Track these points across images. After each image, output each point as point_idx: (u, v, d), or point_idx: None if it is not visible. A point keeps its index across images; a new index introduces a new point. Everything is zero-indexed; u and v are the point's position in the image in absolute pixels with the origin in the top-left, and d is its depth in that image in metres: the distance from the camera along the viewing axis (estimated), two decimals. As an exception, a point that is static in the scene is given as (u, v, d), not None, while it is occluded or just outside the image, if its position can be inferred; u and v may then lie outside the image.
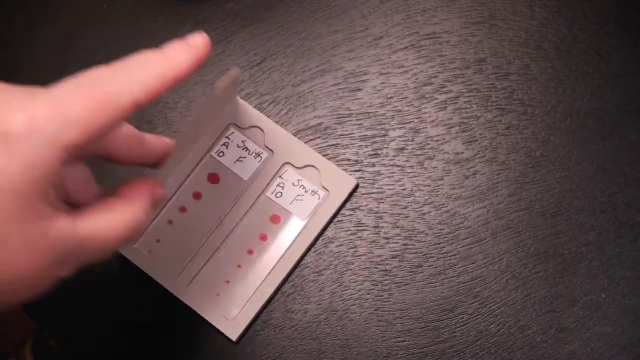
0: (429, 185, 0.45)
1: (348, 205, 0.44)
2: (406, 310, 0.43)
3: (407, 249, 0.44)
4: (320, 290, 0.44)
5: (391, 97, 0.46)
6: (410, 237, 0.44)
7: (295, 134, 0.46)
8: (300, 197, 0.44)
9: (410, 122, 0.46)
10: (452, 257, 0.43)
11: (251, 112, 0.46)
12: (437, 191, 0.44)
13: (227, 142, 0.45)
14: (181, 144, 0.41)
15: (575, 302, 0.42)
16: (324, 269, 0.44)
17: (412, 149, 0.45)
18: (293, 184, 0.44)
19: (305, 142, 0.45)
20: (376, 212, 0.44)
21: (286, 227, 0.44)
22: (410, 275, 0.43)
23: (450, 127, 0.45)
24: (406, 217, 0.44)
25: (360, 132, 0.46)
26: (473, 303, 0.43)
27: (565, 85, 0.46)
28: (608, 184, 0.44)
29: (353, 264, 0.44)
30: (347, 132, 0.46)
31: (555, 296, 0.42)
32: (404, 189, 0.45)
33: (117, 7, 0.49)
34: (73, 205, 0.32)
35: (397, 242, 0.44)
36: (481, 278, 0.43)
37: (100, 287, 0.44)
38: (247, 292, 0.43)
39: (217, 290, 0.43)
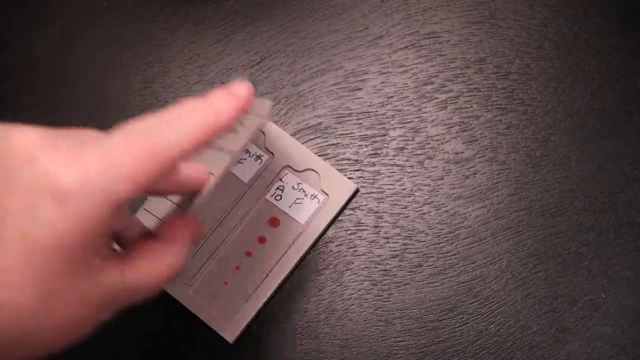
0: (429, 185, 0.45)
1: (348, 204, 0.44)
2: (406, 310, 0.43)
3: (406, 248, 0.44)
4: (320, 290, 0.43)
5: (391, 97, 0.46)
6: (410, 236, 0.44)
7: (295, 134, 0.46)
8: (299, 200, 0.44)
9: (410, 122, 0.46)
10: (452, 256, 0.43)
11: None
12: (437, 191, 0.44)
13: None
14: (218, 175, 0.41)
15: (575, 302, 0.42)
16: (324, 268, 0.44)
17: (412, 148, 0.45)
18: (293, 187, 0.44)
19: (305, 142, 0.45)
20: (376, 212, 0.44)
21: (285, 230, 0.44)
22: (410, 275, 0.43)
23: (450, 127, 0.45)
24: (406, 216, 0.44)
25: (361, 131, 0.46)
26: (473, 303, 0.43)
27: (565, 85, 0.45)
28: (608, 184, 0.44)
29: (353, 263, 0.44)
30: (347, 132, 0.46)
31: (555, 296, 0.42)
32: (404, 189, 0.45)
33: (117, 6, 0.49)
34: (118, 242, 0.33)
35: (397, 242, 0.44)
36: (481, 278, 0.43)
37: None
38: (244, 294, 0.43)
39: (215, 292, 0.43)
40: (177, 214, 0.35)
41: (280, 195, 0.44)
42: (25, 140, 0.27)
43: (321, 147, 0.45)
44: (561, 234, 0.43)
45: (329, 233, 0.44)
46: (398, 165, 0.45)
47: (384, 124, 0.46)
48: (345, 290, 0.43)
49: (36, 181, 0.26)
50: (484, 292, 0.43)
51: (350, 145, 0.45)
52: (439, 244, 0.44)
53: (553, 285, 0.43)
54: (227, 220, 0.44)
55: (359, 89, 0.46)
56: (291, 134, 0.46)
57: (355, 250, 0.44)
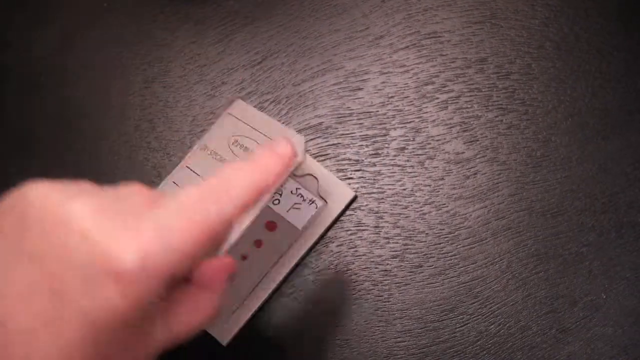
0: (430, 185, 0.44)
1: (346, 211, 0.44)
2: (406, 311, 0.43)
3: (407, 249, 0.44)
4: (320, 290, 0.43)
5: (392, 97, 0.46)
6: (410, 237, 0.44)
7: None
8: (297, 205, 0.44)
9: (411, 122, 0.45)
10: (453, 257, 0.43)
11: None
12: (438, 191, 0.44)
13: None
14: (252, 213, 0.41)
15: (575, 303, 0.42)
16: (324, 268, 0.44)
17: (413, 148, 0.45)
18: (291, 192, 0.44)
19: (305, 142, 0.45)
20: (376, 212, 0.44)
21: (282, 235, 0.44)
22: (410, 275, 0.43)
23: (451, 127, 0.45)
24: (406, 217, 0.44)
25: (361, 131, 0.46)
26: (473, 303, 0.43)
27: (566, 85, 0.45)
28: (609, 185, 0.44)
29: (353, 263, 0.44)
30: (347, 132, 0.46)
31: (556, 297, 0.42)
32: (404, 189, 0.45)
33: (117, 6, 0.49)
34: None
35: (397, 242, 0.44)
36: (481, 278, 0.43)
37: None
38: (239, 297, 0.43)
39: None
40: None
41: (278, 200, 0.44)
42: (78, 211, 0.26)
43: (322, 147, 0.45)
44: (562, 234, 0.43)
45: (329, 233, 0.44)
46: (399, 166, 0.45)
47: (384, 124, 0.46)
48: (346, 290, 0.43)
49: (94, 261, 0.25)
50: (484, 293, 0.43)
51: (351, 145, 0.45)
52: (440, 244, 0.44)
53: (553, 285, 0.42)
54: None
55: (360, 89, 0.46)
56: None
57: (356, 251, 0.44)
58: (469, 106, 0.45)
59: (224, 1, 0.48)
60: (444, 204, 0.44)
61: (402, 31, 0.47)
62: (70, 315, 0.25)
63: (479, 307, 0.42)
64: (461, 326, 0.42)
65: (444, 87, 0.46)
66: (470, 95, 0.46)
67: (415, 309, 0.43)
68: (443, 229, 0.44)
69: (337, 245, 0.44)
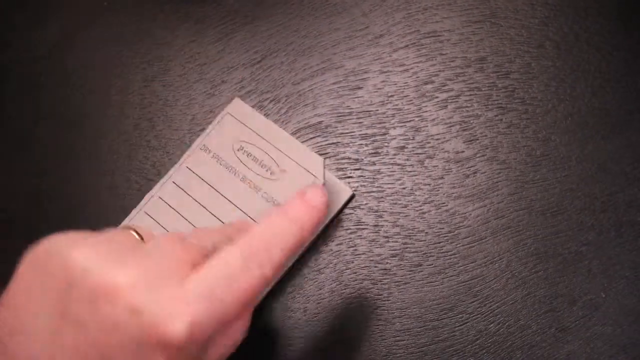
0: (429, 184, 0.44)
1: (344, 209, 0.44)
2: (405, 309, 0.43)
3: (406, 247, 0.44)
4: (320, 289, 0.43)
5: (392, 96, 0.46)
6: (410, 236, 0.44)
7: (295, 133, 0.46)
8: None
9: (410, 121, 0.45)
10: (452, 256, 0.43)
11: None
12: (437, 190, 0.44)
13: None
14: None
15: (575, 302, 0.42)
16: (324, 267, 0.44)
17: (413, 147, 0.45)
18: None
19: (305, 141, 0.45)
20: (376, 211, 0.44)
21: None
22: (409, 274, 0.43)
23: (450, 126, 0.45)
24: (406, 216, 0.44)
25: (361, 130, 0.46)
26: (473, 302, 0.42)
27: (566, 84, 0.45)
28: (609, 184, 0.44)
29: (352, 262, 0.44)
30: (347, 131, 0.46)
31: (555, 296, 0.42)
32: (404, 188, 0.44)
33: (117, 5, 0.49)
34: None
35: (396, 241, 0.44)
36: (481, 277, 0.43)
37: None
38: None
39: None
40: None
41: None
42: (124, 282, 0.27)
43: (321, 146, 0.45)
44: (561, 233, 0.43)
45: (329, 232, 0.44)
46: (398, 165, 0.45)
47: (384, 123, 0.46)
48: (345, 289, 0.43)
49: (143, 333, 0.26)
50: (483, 292, 0.43)
51: (351, 144, 0.45)
52: (439, 243, 0.44)
53: (553, 284, 0.42)
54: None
55: (360, 88, 0.46)
56: (291, 133, 0.46)
57: (355, 250, 0.44)
58: (468, 105, 0.45)
59: (224, 0, 0.49)
60: (444, 203, 0.44)
61: (402, 30, 0.47)
62: None
63: (479, 306, 0.42)
64: (460, 325, 0.42)
65: (444, 86, 0.46)
66: (470, 94, 0.46)
67: (414, 308, 0.43)
68: (442, 228, 0.44)
69: (337, 244, 0.44)
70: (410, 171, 0.45)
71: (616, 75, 0.45)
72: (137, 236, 0.31)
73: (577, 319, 0.42)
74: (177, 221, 0.44)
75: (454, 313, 0.42)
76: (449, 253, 0.43)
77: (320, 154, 0.45)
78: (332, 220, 0.44)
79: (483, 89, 0.46)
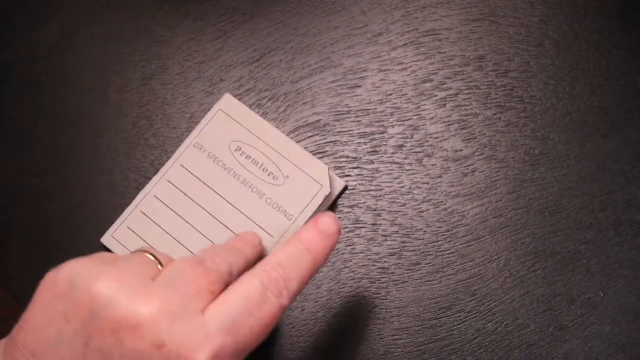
0: (428, 183, 0.44)
1: (346, 202, 0.44)
2: (403, 308, 0.43)
3: (404, 246, 0.44)
4: (318, 288, 0.43)
5: (390, 94, 0.46)
6: (408, 234, 0.44)
7: (293, 131, 0.46)
8: None
9: (409, 119, 0.45)
10: (450, 254, 0.43)
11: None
12: (436, 189, 0.44)
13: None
14: (276, 237, 0.43)
15: (573, 301, 0.42)
16: (322, 266, 0.44)
17: (411, 146, 0.45)
18: None
19: (303, 139, 0.45)
20: (374, 210, 0.44)
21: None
22: (407, 272, 0.43)
23: (449, 125, 0.45)
24: (404, 214, 0.44)
25: (359, 129, 0.46)
26: (471, 301, 0.42)
27: (565, 83, 0.45)
28: (607, 182, 0.44)
29: (351, 261, 0.44)
30: (345, 129, 0.46)
31: (553, 294, 0.42)
32: (402, 187, 0.44)
33: (116, 3, 0.49)
34: None
35: (395, 240, 0.44)
36: (479, 276, 0.43)
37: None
38: None
39: None
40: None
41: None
42: (147, 315, 0.28)
43: (319, 144, 0.45)
44: (560, 232, 0.43)
45: (327, 230, 0.44)
46: (396, 163, 0.45)
47: (382, 121, 0.45)
48: (343, 287, 0.43)
49: None
50: (481, 290, 0.43)
51: (349, 142, 0.45)
52: (437, 241, 0.44)
53: (551, 283, 0.42)
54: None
55: (358, 87, 0.46)
56: (290, 131, 0.46)
57: (353, 248, 0.44)
58: (467, 104, 0.45)
59: (223, -2, 0.49)
60: (442, 202, 0.44)
61: (401, 28, 0.47)
62: None
63: (477, 305, 0.42)
64: (458, 324, 0.42)
65: (442, 84, 0.46)
66: (469, 93, 0.46)
67: (412, 307, 0.43)
68: (441, 227, 0.44)
69: (341, 226, 0.44)
70: (408, 170, 0.45)
71: (615, 74, 0.45)
72: (154, 260, 0.32)
73: (575, 318, 0.42)
74: (173, 220, 0.44)
75: (452, 312, 0.42)
76: (447, 252, 0.43)
77: (319, 152, 0.45)
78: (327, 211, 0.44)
79: (482, 88, 0.46)
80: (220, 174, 0.44)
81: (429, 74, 0.46)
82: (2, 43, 0.49)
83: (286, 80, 0.47)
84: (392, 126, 0.45)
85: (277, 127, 0.46)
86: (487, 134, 0.45)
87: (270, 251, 0.43)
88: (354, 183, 0.45)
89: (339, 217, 0.44)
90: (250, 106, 0.46)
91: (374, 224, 0.44)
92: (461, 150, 0.45)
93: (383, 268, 0.43)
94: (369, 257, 0.44)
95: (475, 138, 0.45)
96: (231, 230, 0.43)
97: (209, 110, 0.46)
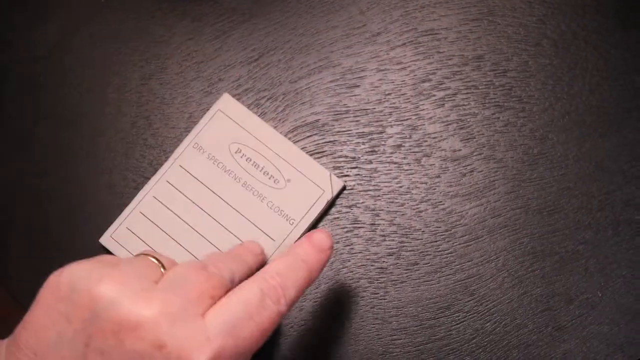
0: (426, 183, 0.44)
1: (344, 202, 0.44)
2: (402, 308, 0.43)
3: (403, 246, 0.44)
4: (317, 288, 0.43)
5: (389, 94, 0.46)
6: (406, 234, 0.44)
7: (292, 131, 0.46)
8: None
9: (407, 119, 0.45)
10: (449, 255, 0.43)
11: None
12: (434, 189, 0.44)
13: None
14: (279, 242, 0.44)
15: (571, 301, 0.42)
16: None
17: (410, 146, 0.45)
18: None
19: (302, 139, 0.45)
20: (373, 210, 0.44)
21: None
22: (406, 273, 0.43)
23: (447, 124, 0.45)
24: (403, 214, 0.44)
25: (358, 128, 0.46)
26: (469, 301, 0.43)
27: (563, 83, 0.45)
28: (606, 182, 0.44)
29: (349, 261, 0.44)
30: (344, 129, 0.46)
31: (552, 294, 0.42)
32: (400, 187, 0.44)
33: (115, 3, 0.49)
34: None
35: (393, 240, 0.44)
36: (477, 276, 0.43)
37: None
38: None
39: None
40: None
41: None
42: (149, 317, 0.28)
43: (318, 144, 0.45)
44: (558, 232, 0.43)
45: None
46: (395, 163, 0.45)
47: (381, 121, 0.45)
48: (342, 288, 0.43)
49: None
50: (480, 291, 0.43)
51: (347, 142, 0.45)
52: (436, 242, 0.44)
53: (549, 283, 0.42)
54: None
55: (357, 86, 0.46)
56: (288, 131, 0.46)
57: (352, 248, 0.44)
58: (465, 103, 0.45)
59: (221, -2, 0.49)
60: (440, 202, 0.44)
61: (399, 28, 0.47)
62: None
63: (475, 305, 0.42)
64: (457, 324, 0.42)
65: (441, 84, 0.46)
66: (467, 93, 0.46)
67: (411, 307, 0.43)
68: (439, 227, 0.44)
69: (334, 243, 0.44)
70: (407, 170, 0.45)
71: (614, 74, 0.45)
72: (157, 263, 0.32)
73: (573, 318, 0.42)
74: (172, 221, 0.44)
75: (450, 312, 0.42)
76: (446, 252, 0.43)
77: (317, 152, 0.45)
78: (325, 210, 0.44)
79: (480, 87, 0.46)
80: (221, 176, 0.44)
81: (427, 73, 0.46)
82: (2, 43, 0.49)
83: (285, 80, 0.47)
84: (391, 126, 0.45)
85: (275, 127, 0.46)
86: (486, 134, 0.45)
87: (273, 255, 0.43)
88: (353, 183, 0.45)
89: (337, 217, 0.44)
90: (248, 106, 0.46)
91: (372, 224, 0.44)
92: (460, 150, 0.45)
93: (381, 268, 0.43)
94: (368, 257, 0.44)
95: (474, 138, 0.45)
96: (232, 234, 0.43)
97: (207, 110, 0.46)
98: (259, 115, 0.46)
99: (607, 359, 0.41)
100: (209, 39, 0.48)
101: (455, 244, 0.43)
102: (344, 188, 0.44)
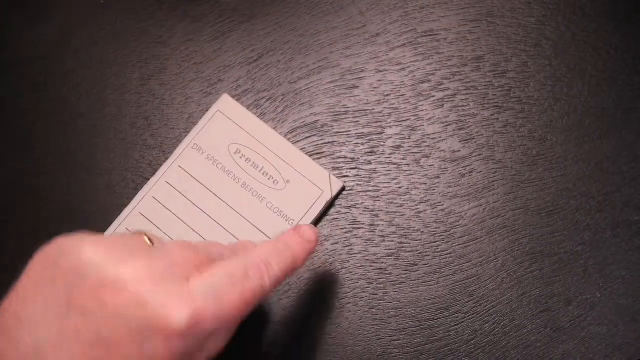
0: (425, 184, 0.44)
1: (343, 203, 0.44)
2: (401, 309, 0.43)
3: (402, 247, 0.44)
4: (315, 288, 0.43)
5: (388, 95, 0.46)
6: (405, 235, 0.44)
7: (291, 131, 0.46)
8: None
9: (407, 120, 0.45)
10: (448, 255, 0.43)
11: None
12: (433, 189, 0.44)
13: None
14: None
15: (570, 302, 0.42)
16: (319, 266, 0.44)
17: (409, 146, 0.45)
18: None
19: (301, 140, 0.45)
20: (372, 210, 0.44)
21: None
22: (405, 273, 0.43)
23: (447, 125, 0.45)
24: (402, 215, 0.44)
25: (357, 129, 0.46)
26: (468, 302, 0.43)
27: (563, 84, 0.45)
28: (605, 183, 0.44)
29: (348, 262, 0.44)
30: (343, 130, 0.46)
31: (551, 295, 0.42)
32: (400, 187, 0.44)
33: (114, 3, 0.49)
34: None
35: (392, 241, 0.44)
36: (476, 277, 0.43)
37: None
38: None
39: None
40: None
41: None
42: (132, 275, 0.28)
43: (317, 145, 0.45)
44: (557, 233, 0.43)
45: (325, 231, 0.44)
46: (394, 164, 0.45)
47: (380, 122, 0.46)
48: (341, 289, 0.43)
49: (147, 323, 0.27)
50: (479, 291, 0.43)
51: (347, 143, 0.45)
52: (435, 242, 0.44)
53: (548, 284, 0.42)
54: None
55: (356, 87, 0.46)
56: (287, 132, 0.46)
57: (351, 249, 0.44)
58: (465, 104, 0.45)
59: (221, -1, 0.49)
60: (440, 203, 0.44)
61: (399, 29, 0.47)
62: None
63: (474, 306, 0.42)
64: (456, 325, 0.42)
65: (440, 85, 0.46)
66: (466, 94, 0.46)
67: (410, 308, 0.43)
68: (438, 228, 0.44)
69: (332, 244, 0.44)
70: (406, 170, 0.45)
71: (613, 75, 0.45)
72: (148, 240, 0.33)
73: (572, 319, 0.42)
74: (171, 221, 0.44)
75: (449, 313, 0.42)
76: (445, 252, 0.43)
77: (316, 153, 0.45)
78: (325, 211, 0.44)
79: (479, 88, 0.46)
80: (220, 177, 0.44)
81: (427, 74, 0.46)
82: (1, 43, 0.49)
83: (284, 81, 0.47)
84: (390, 127, 0.45)
85: (274, 127, 0.46)
86: (485, 135, 0.45)
87: None
88: (352, 184, 0.45)
89: (336, 218, 0.44)
90: (248, 107, 0.46)
91: (371, 225, 0.44)
92: (459, 151, 0.45)
93: (381, 269, 0.43)
94: (367, 257, 0.44)
95: (473, 139, 0.45)
96: (232, 234, 0.43)
97: (207, 110, 0.46)
98: (258, 116, 0.46)
99: (606, 360, 0.41)
100: (208, 40, 0.48)
101: (454, 244, 0.43)
102: (343, 189, 0.45)
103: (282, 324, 0.43)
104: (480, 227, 0.44)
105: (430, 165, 0.45)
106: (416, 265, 0.43)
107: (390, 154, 0.45)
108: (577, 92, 0.45)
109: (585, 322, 0.42)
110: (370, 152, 0.45)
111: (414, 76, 0.46)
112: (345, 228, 0.44)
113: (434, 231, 0.44)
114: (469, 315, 0.42)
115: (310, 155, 0.45)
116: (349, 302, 0.43)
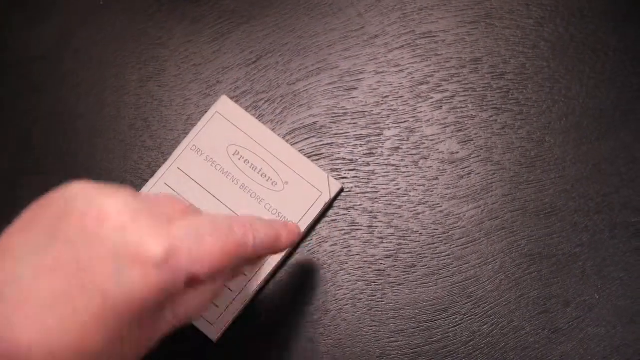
0: (424, 185, 0.44)
1: (342, 204, 0.44)
2: (399, 311, 0.43)
3: (401, 248, 0.44)
4: (314, 289, 0.44)
5: (387, 96, 0.46)
6: (404, 237, 0.44)
7: (290, 133, 0.46)
8: None
9: (405, 122, 0.45)
10: (446, 257, 0.43)
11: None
12: (432, 191, 0.44)
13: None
14: None
15: (568, 303, 0.42)
16: (318, 268, 0.44)
17: (407, 148, 0.45)
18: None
19: (300, 142, 0.45)
20: (370, 212, 0.44)
21: None
22: (403, 275, 0.43)
23: (445, 127, 0.45)
24: (400, 216, 0.44)
25: (356, 131, 0.46)
26: (466, 303, 0.43)
27: (561, 85, 0.45)
28: (603, 185, 0.44)
29: (347, 263, 0.44)
30: (342, 131, 0.46)
31: (549, 297, 0.42)
32: (398, 189, 0.45)
33: (113, 5, 0.49)
34: None
35: (391, 242, 0.44)
36: (475, 278, 0.43)
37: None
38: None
39: None
40: None
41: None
42: (118, 207, 0.28)
43: (316, 146, 0.45)
44: (555, 234, 0.43)
45: (323, 233, 0.44)
46: (393, 165, 0.45)
47: (379, 123, 0.46)
48: (339, 290, 0.43)
49: (125, 249, 0.27)
50: (477, 293, 0.43)
51: (345, 144, 0.45)
52: (433, 244, 0.44)
53: (547, 286, 0.42)
54: None
55: (355, 89, 0.46)
56: (286, 134, 0.46)
57: (350, 250, 0.44)
58: (463, 106, 0.45)
59: (220, 0, 0.49)
60: (438, 204, 0.44)
61: (397, 31, 0.47)
62: (91, 294, 0.27)
63: (472, 307, 0.43)
64: (454, 326, 0.42)
65: (439, 86, 0.46)
66: (465, 95, 0.46)
67: (408, 309, 0.43)
68: (437, 229, 0.44)
69: (331, 245, 0.44)
70: (404, 172, 0.45)
71: (611, 76, 0.45)
72: None
73: (570, 320, 0.42)
74: None
75: (447, 314, 0.43)
76: (443, 254, 0.43)
77: (315, 155, 0.45)
78: (323, 213, 0.44)
79: (478, 90, 0.46)
80: (219, 178, 0.44)
81: (425, 76, 0.46)
82: (1, 43, 0.49)
83: (283, 83, 0.47)
84: (389, 128, 0.45)
85: (273, 129, 0.46)
86: (483, 137, 0.45)
87: (269, 259, 0.43)
88: (350, 185, 0.45)
89: (335, 219, 0.44)
90: (246, 108, 0.46)
91: (370, 226, 0.44)
92: (457, 152, 0.45)
93: (379, 270, 0.43)
94: (365, 259, 0.44)
95: (472, 140, 0.45)
96: None
97: (205, 112, 0.47)
98: (257, 118, 0.46)
99: (604, 362, 0.41)
100: (207, 41, 0.48)
101: (452, 246, 0.43)
102: (341, 190, 0.45)
103: (278, 325, 0.43)
104: (478, 229, 0.44)
105: (428, 167, 0.45)
106: (415, 266, 0.43)
107: (389, 155, 0.45)
108: (575, 94, 0.45)
109: (583, 323, 0.42)
110: (369, 154, 0.45)
111: (412, 78, 0.46)
112: (344, 229, 0.44)
113: (432, 233, 0.44)
114: (467, 317, 0.42)
115: (309, 157, 0.45)
116: (347, 304, 0.43)
